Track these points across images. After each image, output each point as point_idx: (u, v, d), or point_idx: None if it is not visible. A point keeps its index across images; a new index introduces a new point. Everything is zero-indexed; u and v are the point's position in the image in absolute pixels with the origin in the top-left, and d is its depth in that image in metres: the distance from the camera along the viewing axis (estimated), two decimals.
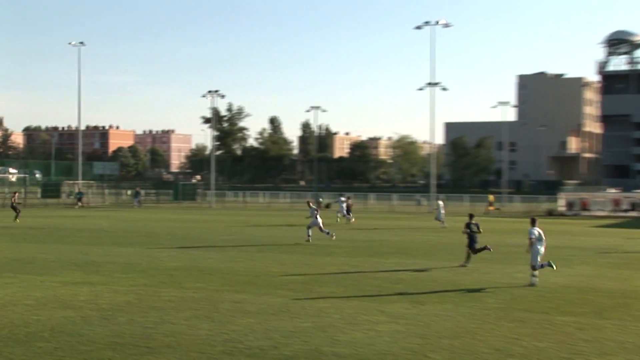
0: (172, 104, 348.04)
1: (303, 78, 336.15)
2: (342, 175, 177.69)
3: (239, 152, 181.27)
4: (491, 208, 65.93)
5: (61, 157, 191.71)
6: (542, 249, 20.25)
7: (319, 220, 33.71)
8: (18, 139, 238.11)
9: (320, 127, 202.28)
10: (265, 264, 24.42)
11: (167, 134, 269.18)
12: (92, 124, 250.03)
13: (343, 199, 51.29)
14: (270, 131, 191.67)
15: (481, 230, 24.52)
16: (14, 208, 47.74)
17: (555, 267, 21.02)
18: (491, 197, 68.80)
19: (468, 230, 23.98)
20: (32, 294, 17.64)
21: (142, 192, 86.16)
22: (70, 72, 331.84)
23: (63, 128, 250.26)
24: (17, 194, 50.77)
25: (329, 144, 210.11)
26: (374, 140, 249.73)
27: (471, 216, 24.62)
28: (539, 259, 20.08)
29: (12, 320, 14.52)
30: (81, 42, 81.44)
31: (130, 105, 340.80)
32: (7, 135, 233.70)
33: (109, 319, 14.85)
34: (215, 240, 33.88)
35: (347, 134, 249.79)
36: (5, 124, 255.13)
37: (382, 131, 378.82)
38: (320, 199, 76.18)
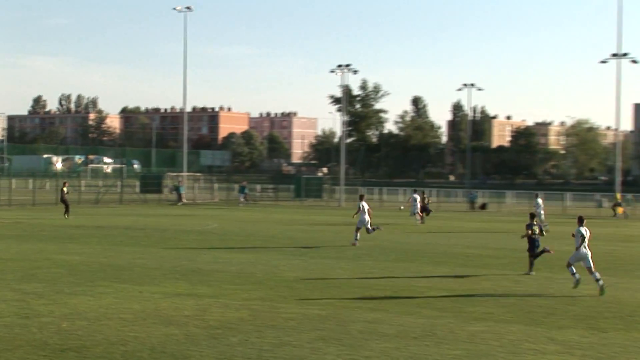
0: (294, 81, 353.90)
1: (453, 49, 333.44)
2: (502, 169, 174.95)
3: (374, 139, 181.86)
4: (620, 210, 64.90)
5: (163, 145, 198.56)
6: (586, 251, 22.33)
7: (367, 218, 34.59)
8: (114, 123, 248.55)
9: (474, 109, 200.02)
10: (406, 277, 24.40)
11: (288, 117, 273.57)
12: (200, 105, 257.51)
13: (416, 195, 52.34)
14: (413, 114, 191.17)
15: (544, 232, 26.19)
16: (63, 202, 49.87)
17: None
18: (618, 196, 67.19)
19: (529, 232, 25.51)
20: (130, 307, 18.38)
21: (258, 187, 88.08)
22: (174, 43, 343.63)
23: (165, 110, 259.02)
24: (67, 185, 52.76)
25: (485, 131, 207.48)
26: (543, 126, 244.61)
27: (532, 216, 26.39)
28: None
29: (107, 337, 15.18)
30: (187, 7, 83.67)
31: (245, 83, 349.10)
32: (101, 119, 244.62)
33: (218, 338, 15.25)
34: (345, 246, 34.13)
35: (508, 118, 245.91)
36: (100, 105, 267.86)
37: (553, 115, 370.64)
38: (473, 198, 75.35)
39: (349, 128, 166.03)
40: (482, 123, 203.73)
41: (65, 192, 50.47)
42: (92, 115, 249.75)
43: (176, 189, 74.41)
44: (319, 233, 41.48)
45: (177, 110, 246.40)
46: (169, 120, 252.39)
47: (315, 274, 24.92)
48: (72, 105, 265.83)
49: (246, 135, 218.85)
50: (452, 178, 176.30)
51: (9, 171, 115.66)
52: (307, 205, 75.09)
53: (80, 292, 20.26)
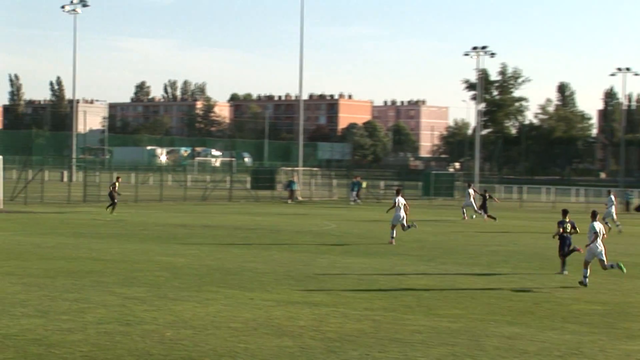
0: (422, 65, 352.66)
1: (605, 29, 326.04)
2: None
3: (513, 131, 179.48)
4: None
5: (276, 136, 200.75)
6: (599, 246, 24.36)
7: (402, 214, 35.93)
8: (223, 112, 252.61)
9: (630, 97, 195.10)
10: (550, 287, 24.03)
11: (415, 106, 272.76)
12: (317, 92, 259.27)
13: (470, 190, 53.64)
14: (557, 103, 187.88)
15: (578, 229, 27.21)
16: (111, 197, 51.26)
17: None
18: None
19: (560, 230, 26.87)
20: (240, 315, 18.65)
21: (381, 183, 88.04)
22: (290, 24, 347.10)
23: (279, 98, 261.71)
24: (120, 181, 54.50)
25: None
26: None
27: (565, 213, 27.40)
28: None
29: (215, 348, 15.44)
30: None
31: (367, 68, 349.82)
32: (209, 107, 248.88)
33: (336, 351, 15.34)
34: (480, 251, 33.85)
35: None
36: (208, 92, 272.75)
37: None
38: (628, 198, 73.61)
39: (485, 118, 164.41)
40: (638, 113, 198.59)
41: (117, 187, 52.16)
42: (199, 104, 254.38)
43: (288, 185, 75.08)
44: (450, 235, 41.22)
45: (292, 98, 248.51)
46: (283, 109, 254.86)
47: (446, 282, 24.80)
48: (178, 92, 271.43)
49: (369, 126, 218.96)
50: (603, 175, 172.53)
51: (109, 164, 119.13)
52: (437, 204, 74.72)
53: (186, 297, 20.67)
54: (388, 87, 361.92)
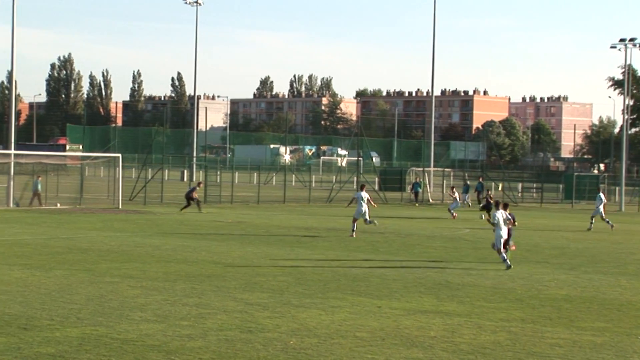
0: (564, 59, 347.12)
1: None
2: None
3: None
4: None
5: (406, 134, 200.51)
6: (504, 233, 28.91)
7: (365, 208, 39.00)
8: (350, 108, 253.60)
9: None
10: None
11: (557, 102, 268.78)
12: (450, 88, 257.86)
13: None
14: None
15: (516, 223, 30.51)
16: (190, 200, 52.81)
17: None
18: None
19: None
20: (367, 324, 18.70)
21: (519, 186, 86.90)
22: (421, 15, 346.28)
23: (410, 93, 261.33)
24: (201, 186, 57.38)
25: None
26: None
27: (505, 206, 30.38)
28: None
29: (340, 358, 15.52)
30: None
31: (504, 62, 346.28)
32: (336, 103, 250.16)
33: None
34: (627, 260, 33.21)
35: None
36: (334, 87, 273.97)
37: None
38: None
39: (633, 116, 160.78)
40: None
41: (197, 190, 54.23)
42: (325, 100, 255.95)
43: (413, 186, 74.86)
44: (595, 243, 40.47)
45: (424, 94, 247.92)
46: (414, 105, 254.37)
47: (589, 292, 24.39)
48: (303, 88, 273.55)
49: (506, 124, 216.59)
50: None
51: (231, 163, 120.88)
52: (579, 209, 73.38)
53: (310, 304, 20.83)
54: (527, 82, 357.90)
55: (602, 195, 50.20)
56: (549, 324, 19.24)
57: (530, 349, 16.60)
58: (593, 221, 48.35)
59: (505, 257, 29.04)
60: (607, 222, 48.22)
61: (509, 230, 29.75)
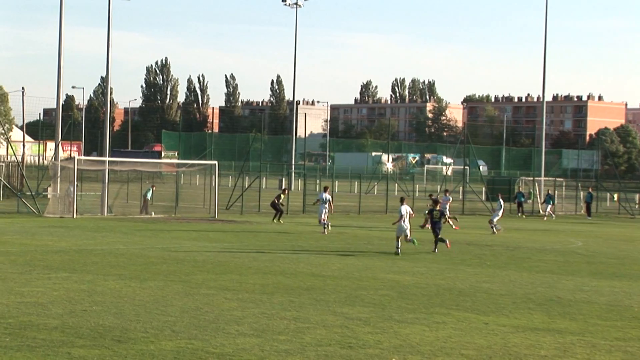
0: None
1: None
2: None
3: None
4: None
5: (515, 142, 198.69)
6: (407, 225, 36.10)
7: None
8: (455, 114, 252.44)
9: None
10: None
11: None
12: (563, 93, 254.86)
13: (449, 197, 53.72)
14: None
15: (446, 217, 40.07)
16: (274, 207, 53.65)
17: (417, 244, 36.89)
18: None
19: (428, 217, 38.40)
20: (473, 341, 18.57)
21: (637, 196, 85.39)
22: (530, 17, 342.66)
23: (519, 99, 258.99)
24: (286, 193, 57.71)
25: None
26: None
27: (435, 202, 39.88)
28: (408, 233, 36.13)
29: None
30: None
31: (621, 66, 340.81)
32: (440, 109, 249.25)
33: None
34: None
35: None
36: (439, 92, 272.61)
37: None
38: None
39: None
40: None
41: (282, 198, 55.00)
42: (429, 105, 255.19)
43: (517, 196, 73.94)
44: None
45: (534, 100, 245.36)
46: (524, 111, 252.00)
47: None
48: (406, 92, 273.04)
49: (622, 131, 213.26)
50: None
51: (331, 171, 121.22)
52: None
53: (413, 320, 20.77)
54: None
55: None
56: None
57: None
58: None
59: (399, 246, 35.99)
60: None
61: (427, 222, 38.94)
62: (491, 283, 28.04)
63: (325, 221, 46.43)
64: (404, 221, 36.51)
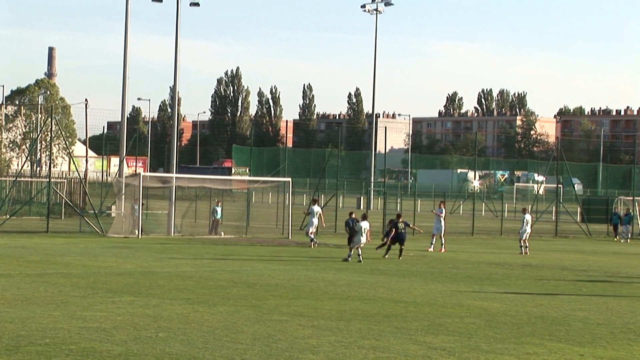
0: None
1: None
2: None
3: None
4: None
5: (613, 158, 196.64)
6: (363, 239, 41.85)
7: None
8: (548, 128, 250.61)
9: None
10: None
11: None
12: None
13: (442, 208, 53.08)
14: None
15: (411, 225, 46.68)
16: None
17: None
18: None
19: (392, 230, 44.35)
20: None
21: None
22: (635, 22, 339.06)
23: (618, 112, 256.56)
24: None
25: None
26: None
27: (399, 216, 45.28)
28: (362, 243, 41.85)
29: None
30: None
31: None
32: (532, 122, 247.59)
33: None
34: None
35: None
36: (530, 104, 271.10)
37: None
38: None
39: None
40: None
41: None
42: (519, 119, 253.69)
43: (612, 218, 72.57)
44: None
45: (634, 113, 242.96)
46: (622, 125, 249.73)
47: None
48: (494, 105, 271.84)
49: None
50: None
51: (413, 189, 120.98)
52: None
53: (502, 350, 20.63)
54: None
55: (527, 216, 51.72)
56: None
57: None
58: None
59: (350, 254, 42.00)
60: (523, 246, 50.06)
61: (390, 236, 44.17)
62: (587, 311, 27.73)
63: (313, 235, 49.96)
64: (361, 235, 41.99)
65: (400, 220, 44.46)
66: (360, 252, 42.02)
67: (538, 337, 22.61)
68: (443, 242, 50.82)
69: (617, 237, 69.55)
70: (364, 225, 42.39)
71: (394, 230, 44.17)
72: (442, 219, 51.68)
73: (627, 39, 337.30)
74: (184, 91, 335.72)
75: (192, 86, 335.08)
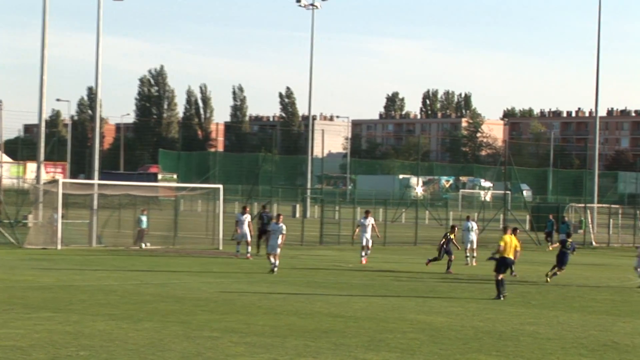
0: None
1: None
2: None
3: None
4: None
5: (564, 163, 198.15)
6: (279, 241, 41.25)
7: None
8: (495, 131, 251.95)
9: None
10: None
11: None
12: (619, 107, 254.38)
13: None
14: None
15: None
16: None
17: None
18: None
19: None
20: None
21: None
22: (581, 20, 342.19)
23: (569, 114, 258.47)
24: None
25: None
26: None
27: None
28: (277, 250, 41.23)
29: None
30: None
31: None
32: (477, 125, 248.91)
33: None
34: None
35: None
36: (475, 106, 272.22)
37: None
38: None
39: None
40: None
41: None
42: (464, 121, 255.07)
43: (546, 225, 72.94)
44: None
45: (585, 115, 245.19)
46: (573, 128, 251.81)
47: None
48: (438, 106, 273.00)
49: None
50: None
51: (352, 196, 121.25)
52: None
53: None
54: None
55: (471, 223, 52.78)
56: None
57: None
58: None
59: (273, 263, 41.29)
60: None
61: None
62: (537, 325, 27.99)
63: (239, 246, 50.78)
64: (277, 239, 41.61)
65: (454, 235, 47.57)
66: (274, 261, 41.79)
67: (485, 353, 22.78)
68: (367, 253, 50.03)
69: (551, 246, 69.67)
70: (283, 228, 42.11)
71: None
72: (367, 228, 50.83)
73: (576, 37, 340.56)
74: (107, 91, 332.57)
75: (115, 86, 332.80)
